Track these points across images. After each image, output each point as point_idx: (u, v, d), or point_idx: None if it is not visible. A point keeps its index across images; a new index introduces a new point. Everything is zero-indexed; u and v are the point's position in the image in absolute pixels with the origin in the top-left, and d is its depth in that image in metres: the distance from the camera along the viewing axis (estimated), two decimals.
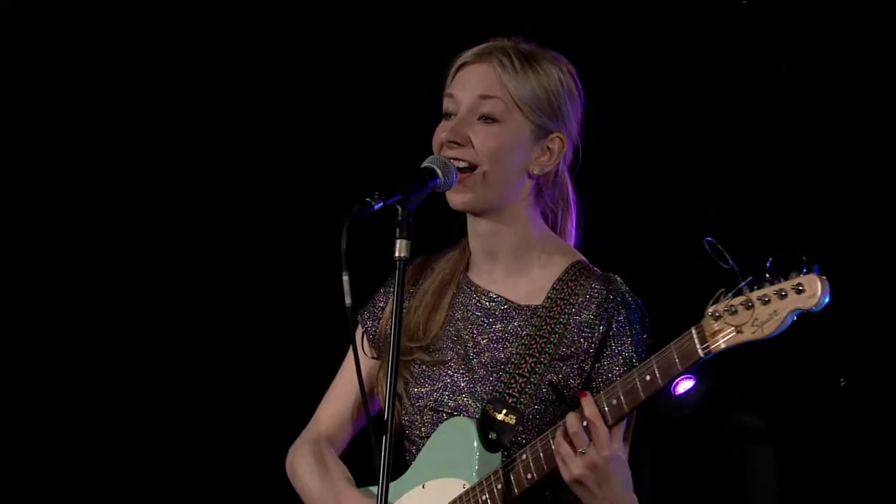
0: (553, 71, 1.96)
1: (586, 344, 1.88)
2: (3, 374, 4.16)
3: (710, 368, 3.85)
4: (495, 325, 1.96)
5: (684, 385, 3.87)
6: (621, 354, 1.87)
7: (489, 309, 1.97)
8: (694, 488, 3.84)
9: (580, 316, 1.90)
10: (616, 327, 1.88)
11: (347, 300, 1.77)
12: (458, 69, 1.98)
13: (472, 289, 2.01)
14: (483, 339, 1.96)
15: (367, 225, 1.79)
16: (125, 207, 4.30)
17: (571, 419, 1.73)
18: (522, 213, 1.97)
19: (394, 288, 1.79)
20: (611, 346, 1.88)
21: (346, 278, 1.77)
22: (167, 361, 4.27)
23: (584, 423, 1.72)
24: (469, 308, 1.99)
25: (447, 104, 1.98)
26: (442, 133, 1.94)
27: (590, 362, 1.86)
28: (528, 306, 1.94)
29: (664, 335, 1.80)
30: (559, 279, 1.92)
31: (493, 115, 1.93)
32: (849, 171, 3.79)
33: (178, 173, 4.28)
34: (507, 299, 1.96)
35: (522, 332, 1.92)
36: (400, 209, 1.81)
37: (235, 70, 4.23)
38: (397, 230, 1.81)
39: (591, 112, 2.02)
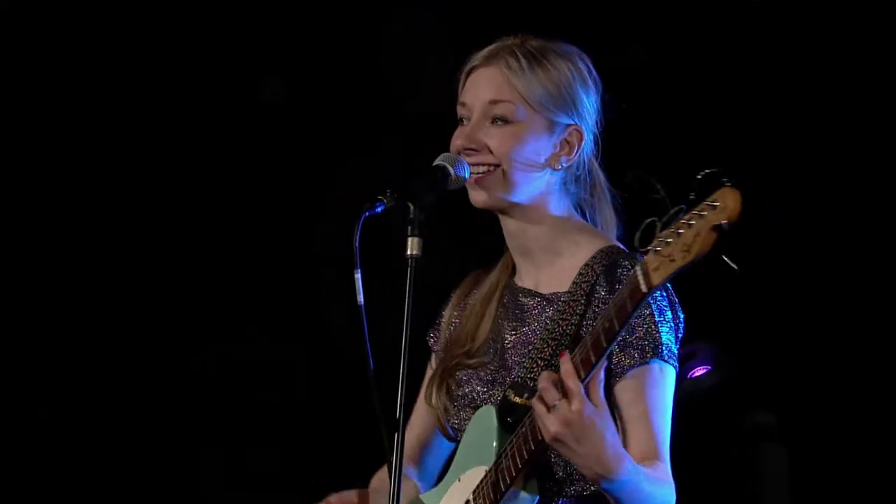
0: (562, 64, 1.95)
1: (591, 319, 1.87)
2: None
3: (725, 357, 3.88)
4: (528, 319, 1.97)
5: (699, 372, 3.89)
6: (641, 327, 1.85)
7: (523, 304, 1.99)
8: (707, 486, 3.85)
9: (597, 293, 1.89)
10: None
11: (360, 298, 1.77)
12: (467, 74, 1.98)
13: (512, 290, 2.03)
14: (517, 336, 1.97)
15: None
16: (124, 210, 4.31)
17: (541, 377, 1.74)
18: (549, 209, 1.98)
19: (407, 287, 1.79)
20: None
21: (358, 276, 1.77)
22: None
23: (558, 382, 1.72)
24: (509, 308, 2.01)
25: (460, 111, 1.98)
26: (458, 140, 1.94)
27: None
28: (554, 294, 1.94)
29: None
30: (585, 264, 1.92)
31: (505, 117, 1.93)
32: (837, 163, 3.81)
33: (175, 175, 4.29)
34: (538, 292, 1.97)
35: (547, 319, 1.93)
36: (412, 207, 1.81)
37: (234, 70, 4.24)
38: (409, 228, 1.81)
39: (609, 100, 2.01)
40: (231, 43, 4.23)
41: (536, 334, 1.94)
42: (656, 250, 1.60)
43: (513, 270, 2.05)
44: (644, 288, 1.63)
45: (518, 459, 1.79)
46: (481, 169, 1.91)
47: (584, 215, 2.02)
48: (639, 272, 1.63)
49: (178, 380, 4.34)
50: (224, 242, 4.36)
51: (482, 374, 1.99)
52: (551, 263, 1.98)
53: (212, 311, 4.40)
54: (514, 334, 1.98)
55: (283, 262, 4.30)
